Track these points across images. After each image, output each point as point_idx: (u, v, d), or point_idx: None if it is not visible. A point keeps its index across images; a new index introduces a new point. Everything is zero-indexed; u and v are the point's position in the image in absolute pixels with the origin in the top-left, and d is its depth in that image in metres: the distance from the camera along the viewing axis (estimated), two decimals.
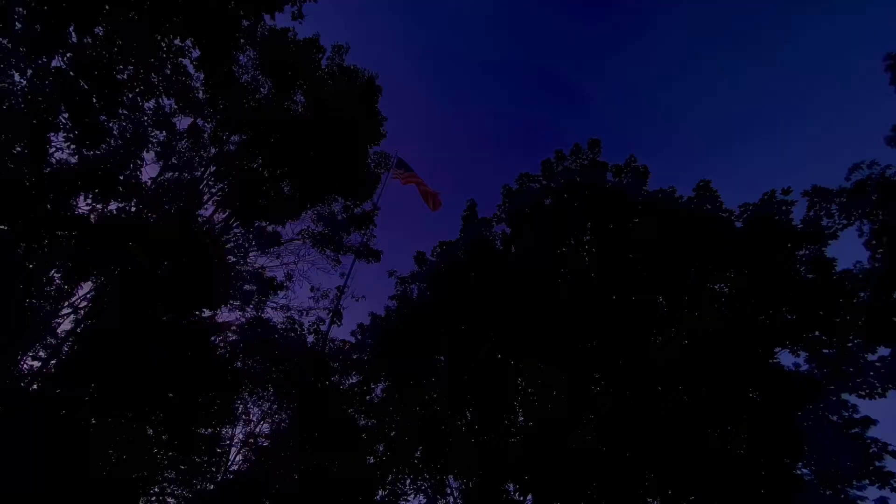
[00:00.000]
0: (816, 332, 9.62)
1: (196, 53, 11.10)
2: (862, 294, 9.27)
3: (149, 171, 11.49)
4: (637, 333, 10.59)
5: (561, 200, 12.39)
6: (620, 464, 10.34)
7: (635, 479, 10.38)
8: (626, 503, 10.60)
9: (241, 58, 11.37)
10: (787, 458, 9.12)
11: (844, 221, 9.82)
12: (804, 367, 10.37)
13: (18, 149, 9.90)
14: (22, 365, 10.65)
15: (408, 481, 12.14)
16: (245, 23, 11.48)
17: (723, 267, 10.15)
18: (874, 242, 10.24)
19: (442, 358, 13.50)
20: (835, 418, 10.82)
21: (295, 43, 11.59)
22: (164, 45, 10.06)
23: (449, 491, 12.76)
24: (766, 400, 9.35)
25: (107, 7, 9.43)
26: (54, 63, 9.18)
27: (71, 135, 9.40)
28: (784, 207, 9.94)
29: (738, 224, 10.65)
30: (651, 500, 11.09)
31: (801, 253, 9.85)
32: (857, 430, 10.99)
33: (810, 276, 9.73)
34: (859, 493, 10.61)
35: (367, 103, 12.50)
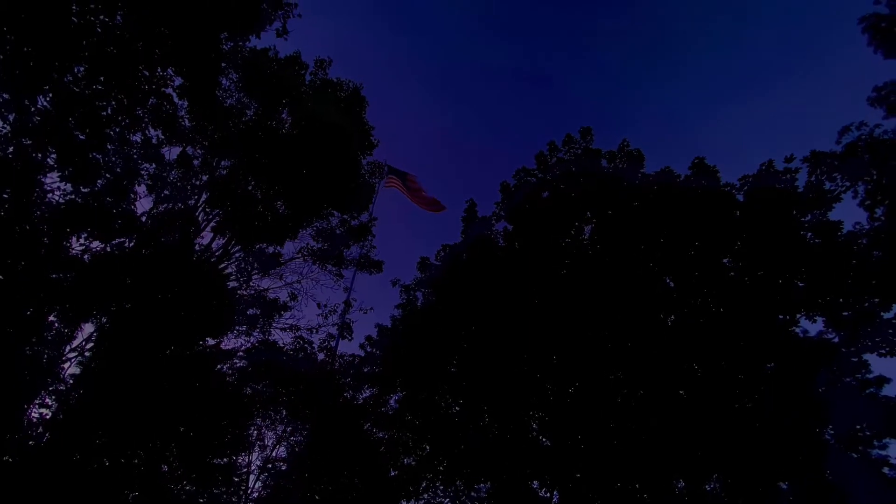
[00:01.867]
0: (829, 297, 9.68)
1: (179, 81, 11.02)
2: (876, 253, 9.33)
3: (142, 204, 11.32)
4: (648, 316, 10.61)
5: (558, 192, 12.42)
6: (642, 448, 10.33)
7: (658, 461, 10.38)
8: (651, 486, 10.59)
9: (224, 81, 11.29)
10: (812, 426, 9.18)
11: (847, 184, 9.90)
12: (823, 333, 10.42)
13: (6, 195, 9.72)
14: (30, 414, 10.42)
15: (439, 489, 12.03)
16: (225, 46, 11.42)
17: (728, 241, 10.20)
18: (869, 203, 10.36)
19: (454, 361, 13.45)
20: (849, 380, 10.90)
21: (277, 61, 11.53)
22: (146, 75, 9.94)
23: (474, 495, 12.67)
24: (785, 369, 9.41)
25: (84, 44, 9.31)
26: (39, 103, 9.02)
27: (61, 174, 9.24)
28: (787, 175, 10.02)
29: (740, 197, 10.74)
30: (675, 480, 11.10)
31: (807, 219, 9.94)
32: (871, 389, 11.10)
33: (817, 240, 9.80)
34: (881, 453, 10.67)
35: (354, 114, 12.46)
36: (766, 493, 9.88)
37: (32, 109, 9.03)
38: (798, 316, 10.03)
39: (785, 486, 10.49)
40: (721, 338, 9.66)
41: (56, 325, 11.23)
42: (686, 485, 10.91)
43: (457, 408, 13.50)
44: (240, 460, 13.05)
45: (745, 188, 10.59)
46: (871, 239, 9.36)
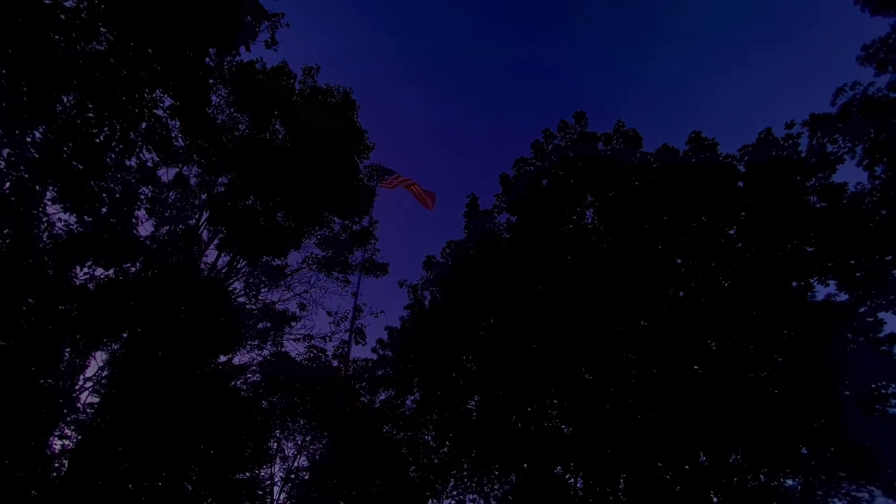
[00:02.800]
0: (839, 259, 9.68)
1: (168, 101, 10.97)
2: (882, 211, 9.35)
3: (144, 227, 11.31)
4: (658, 294, 10.62)
5: (557, 179, 12.42)
6: (662, 427, 10.36)
7: (679, 438, 10.43)
8: (673, 463, 10.64)
9: (213, 98, 11.24)
10: (829, 388, 9.21)
11: (848, 145, 9.89)
12: (834, 296, 10.44)
13: (8, 230, 9.70)
14: (52, 446, 10.44)
15: (470, 485, 12.11)
16: (212, 62, 11.36)
17: (732, 212, 10.20)
18: (868, 161, 10.37)
19: (468, 357, 13.48)
20: (862, 340, 10.94)
21: (265, 73, 11.49)
22: (135, 99, 9.88)
23: (500, 487, 12.73)
24: (800, 334, 9.44)
25: (71, 73, 9.24)
26: (34, 136, 8.98)
27: (63, 205, 9.22)
28: (790, 141, 10.01)
29: (741, 167, 10.73)
30: (698, 455, 11.14)
31: (811, 183, 9.94)
32: (884, 347, 11.14)
33: (823, 204, 9.80)
34: None
35: (346, 119, 12.43)
36: (787, 459, 9.93)
37: (28, 141, 9.00)
38: (811, 281, 10.03)
39: (805, 452, 10.54)
40: (733, 310, 9.68)
41: (68, 356, 11.26)
42: (708, 459, 10.97)
43: (473, 403, 13.54)
44: (262, 473, 13.09)
45: (746, 158, 10.59)
46: (875, 197, 9.36)
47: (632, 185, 10.79)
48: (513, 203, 11.77)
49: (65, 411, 11.44)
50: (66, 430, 11.21)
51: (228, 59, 11.02)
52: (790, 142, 10.55)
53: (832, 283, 10.22)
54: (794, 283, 9.91)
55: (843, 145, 9.93)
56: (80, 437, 10.95)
